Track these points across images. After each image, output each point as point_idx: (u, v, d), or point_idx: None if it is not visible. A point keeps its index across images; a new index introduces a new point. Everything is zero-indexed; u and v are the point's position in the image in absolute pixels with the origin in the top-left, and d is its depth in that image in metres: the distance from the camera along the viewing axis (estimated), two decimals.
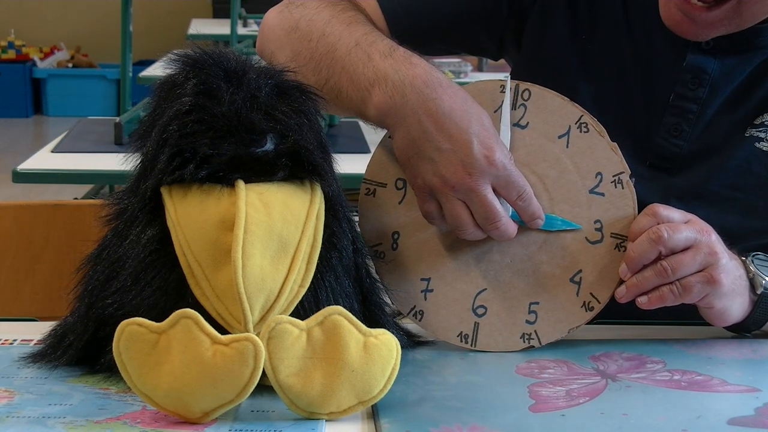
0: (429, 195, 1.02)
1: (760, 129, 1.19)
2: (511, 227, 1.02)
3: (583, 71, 1.23)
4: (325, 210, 0.96)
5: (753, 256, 1.09)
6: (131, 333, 0.86)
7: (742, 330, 1.12)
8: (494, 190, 1.01)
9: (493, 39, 1.28)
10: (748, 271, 1.08)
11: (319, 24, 1.14)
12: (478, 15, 1.04)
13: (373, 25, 1.15)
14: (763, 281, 1.08)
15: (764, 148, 1.18)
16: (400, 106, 1.02)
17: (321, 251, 0.94)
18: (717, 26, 1.13)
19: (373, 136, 1.99)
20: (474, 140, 0.99)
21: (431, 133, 1.00)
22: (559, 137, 1.07)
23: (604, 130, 1.07)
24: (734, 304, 1.06)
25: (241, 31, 4.72)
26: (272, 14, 1.22)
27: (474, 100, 1.03)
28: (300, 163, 0.95)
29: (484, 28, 1.01)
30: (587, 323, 1.07)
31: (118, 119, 2.66)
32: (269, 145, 0.94)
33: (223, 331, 0.87)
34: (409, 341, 1.05)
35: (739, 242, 1.11)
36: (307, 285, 0.92)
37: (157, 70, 3.67)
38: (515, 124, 1.06)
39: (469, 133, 0.99)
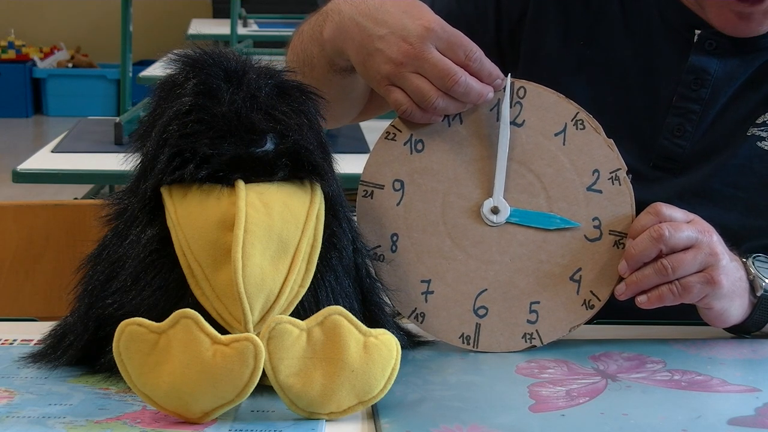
0: (390, 85, 1.04)
1: (762, 128, 1.19)
2: (474, 82, 1.02)
3: (583, 75, 1.23)
4: (325, 210, 0.96)
5: (754, 257, 1.09)
6: (131, 333, 0.86)
7: (741, 332, 1.11)
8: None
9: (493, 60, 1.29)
10: (748, 272, 1.08)
11: (300, 26, 1.22)
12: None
13: None
14: (764, 283, 1.07)
15: (766, 147, 1.18)
16: (340, 23, 1.07)
17: (321, 251, 0.94)
18: None
19: (373, 136, 1.99)
20: (405, 16, 1.03)
21: (370, 28, 1.04)
22: (556, 135, 1.06)
23: (600, 127, 1.06)
24: (733, 305, 1.06)
25: (241, 31, 4.72)
26: None
27: None
28: (300, 163, 0.95)
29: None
30: (588, 322, 1.07)
31: (118, 119, 2.67)
32: (269, 145, 0.94)
33: (223, 331, 0.87)
34: (409, 341, 1.05)
35: (741, 241, 1.11)
36: (307, 285, 0.92)
37: (157, 70, 3.67)
38: (511, 122, 1.06)
39: (400, 13, 1.03)
